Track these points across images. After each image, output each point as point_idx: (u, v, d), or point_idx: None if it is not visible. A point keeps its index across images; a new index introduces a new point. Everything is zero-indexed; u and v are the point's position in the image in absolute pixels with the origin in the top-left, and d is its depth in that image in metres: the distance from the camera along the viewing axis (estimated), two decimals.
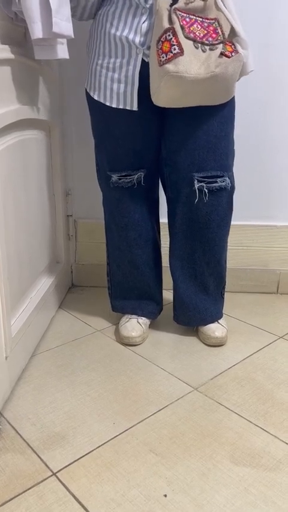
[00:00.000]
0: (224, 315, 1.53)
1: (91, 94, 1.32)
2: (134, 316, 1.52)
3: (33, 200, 1.39)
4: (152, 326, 1.56)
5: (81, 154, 1.79)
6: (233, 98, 1.29)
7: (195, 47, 1.13)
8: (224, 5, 1.18)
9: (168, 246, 1.45)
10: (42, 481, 0.95)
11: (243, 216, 1.79)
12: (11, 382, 1.20)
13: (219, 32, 1.16)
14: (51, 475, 0.96)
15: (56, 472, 0.97)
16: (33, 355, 1.40)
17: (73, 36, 1.16)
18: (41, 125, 1.45)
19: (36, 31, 1.08)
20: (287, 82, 1.67)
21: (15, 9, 1.11)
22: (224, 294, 1.50)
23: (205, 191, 1.30)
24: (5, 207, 1.14)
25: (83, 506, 0.89)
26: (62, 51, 1.21)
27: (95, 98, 1.30)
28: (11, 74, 1.14)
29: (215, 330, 1.45)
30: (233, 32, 1.19)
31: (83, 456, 1.01)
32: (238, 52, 1.16)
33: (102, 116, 1.32)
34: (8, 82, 1.13)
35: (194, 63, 1.12)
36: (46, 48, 1.18)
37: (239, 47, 1.18)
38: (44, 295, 1.48)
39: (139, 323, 1.49)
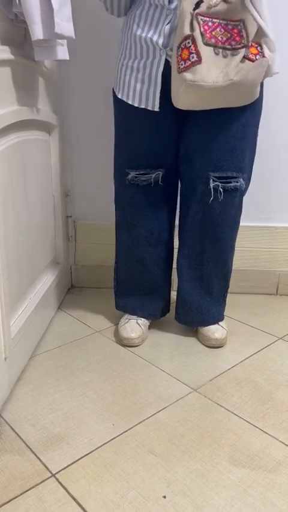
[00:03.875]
0: (224, 316, 1.53)
1: (116, 92, 1.34)
2: (133, 317, 1.52)
3: (33, 201, 1.39)
4: (151, 327, 1.55)
5: (81, 155, 1.79)
6: (260, 99, 1.27)
7: (216, 53, 1.10)
8: (252, 4, 1.11)
9: (178, 245, 1.45)
10: (41, 483, 0.94)
11: (243, 218, 1.78)
12: (10, 383, 1.20)
13: (244, 34, 1.12)
14: (50, 476, 0.96)
15: (55, 474, 0.97)
16: (32, 356, 1.40)
17: (74, 37, 1.16)
18: (40, 125, 1.45)
19: (37, 32, 1.08)
20: (287, 85, 1.68)
21: (15, 11, 1.11)
22: (226, 297, 1.50)
23: (220, 190, 1.31)
24: (5, 208, 1.14)
25: (82, 507, 0.89)
26: (62, 52, 1.22)
27: (119, 96, 1.33)
28: (11, 74, 1.14)
29: (214, 331, 1.45)
30: (260, 32, 1.13)
31: (82, 457, 1.01)
32: (264, 55, 1.13)
33: (124, 114, 1.34)
34: (8, 83, 1.13)
35: (212, 70, 1.10)
36: (46, 49, 1.18)
37: (265, 50, 1.14)
38: (44, 296, 1.48)
39: (138, 324, 1.49)
